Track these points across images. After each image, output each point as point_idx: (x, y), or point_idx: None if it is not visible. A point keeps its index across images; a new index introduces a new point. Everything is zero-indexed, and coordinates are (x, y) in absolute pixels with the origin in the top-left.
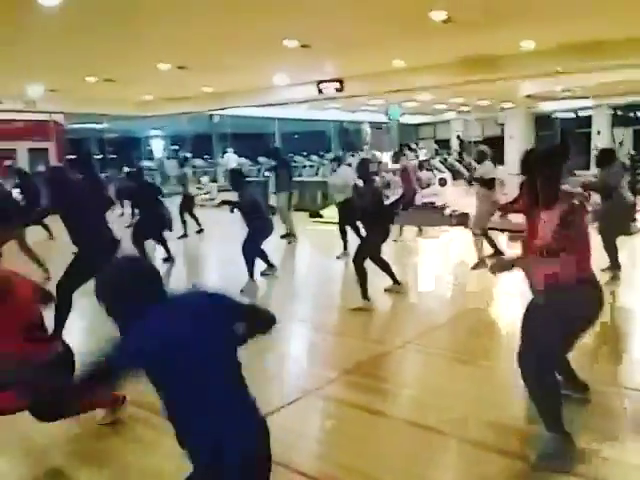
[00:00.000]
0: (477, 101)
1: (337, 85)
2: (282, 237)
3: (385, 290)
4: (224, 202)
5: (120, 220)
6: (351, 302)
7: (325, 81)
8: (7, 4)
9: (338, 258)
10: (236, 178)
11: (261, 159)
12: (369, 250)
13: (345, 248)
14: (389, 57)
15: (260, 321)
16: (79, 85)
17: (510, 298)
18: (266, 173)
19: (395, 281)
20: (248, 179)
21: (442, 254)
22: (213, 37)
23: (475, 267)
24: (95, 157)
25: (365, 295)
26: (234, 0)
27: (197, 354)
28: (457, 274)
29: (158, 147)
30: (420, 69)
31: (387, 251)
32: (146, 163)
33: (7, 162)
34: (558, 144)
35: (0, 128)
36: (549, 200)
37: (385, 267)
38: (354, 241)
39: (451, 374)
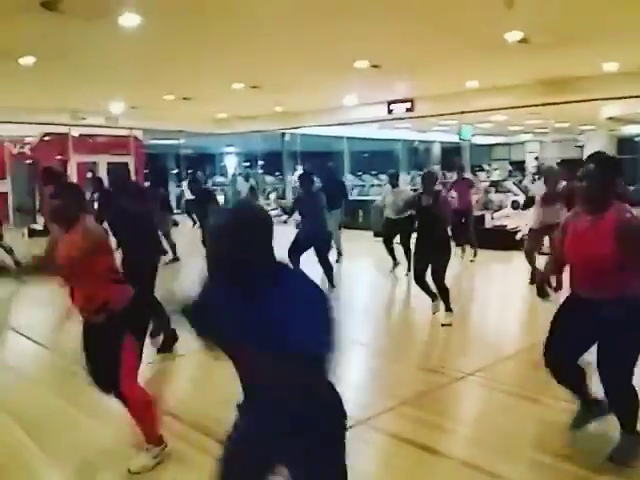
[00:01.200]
0: (555, 123)
1: (408, 105)
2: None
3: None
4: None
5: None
6: (414, 327)
7: (395, 101)
8: (90, 26)
9: (391, 272)
10: (306, 180)
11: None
12: (445, 266)
13: (394, 259)
14: (462, 77)
15: None
16: (158, 102)
17: None
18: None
19: (448, 309)
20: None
21: (509, 279)
22: (285, 58)
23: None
24: (172, 172)
25: (449, 307)
26: (306, 23)
27: None
28: (525, 303)
29: (231, 163)
30: (495, 90)
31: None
32: (219, 179)
33: (88, 174)
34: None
35: (83, 142)
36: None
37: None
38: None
39: (514, 413)
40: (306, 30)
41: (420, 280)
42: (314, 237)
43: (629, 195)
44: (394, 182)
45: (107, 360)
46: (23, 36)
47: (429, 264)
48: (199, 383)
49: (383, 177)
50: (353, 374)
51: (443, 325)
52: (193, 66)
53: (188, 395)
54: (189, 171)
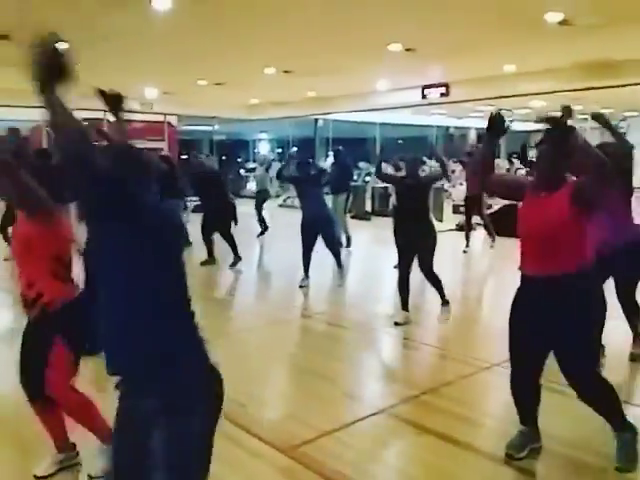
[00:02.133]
0: (597, 109)
1: (442, 90)
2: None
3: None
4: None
5: None
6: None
7: (430, 86)
8: (123, 11)
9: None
10: (304, 164)
11: (361, 164)
12: (432, 251)
13: None
14: (499, 61)
15: None
16: (191, 88)
17: (613, 322)
18: (366, 178)
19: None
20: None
21: None
22: (317, 42)
23: None
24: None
25: (443, 297)
26: (338, 5)
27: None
28: None
29: (264, 149)
30: (533, 74)
31: (469, 262)
32: (252, 165)
33: None
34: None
35: None
36: None
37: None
38: None
39: (543, 405)
40: (338, 13)
41: (404, 280)
42: (317, 219)
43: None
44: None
45: (31, 361)
46: (59, 21)
47: (415, 254)
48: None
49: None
50: (375, 361)
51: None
52: (225, 51)
53: None
54: (223, 157)
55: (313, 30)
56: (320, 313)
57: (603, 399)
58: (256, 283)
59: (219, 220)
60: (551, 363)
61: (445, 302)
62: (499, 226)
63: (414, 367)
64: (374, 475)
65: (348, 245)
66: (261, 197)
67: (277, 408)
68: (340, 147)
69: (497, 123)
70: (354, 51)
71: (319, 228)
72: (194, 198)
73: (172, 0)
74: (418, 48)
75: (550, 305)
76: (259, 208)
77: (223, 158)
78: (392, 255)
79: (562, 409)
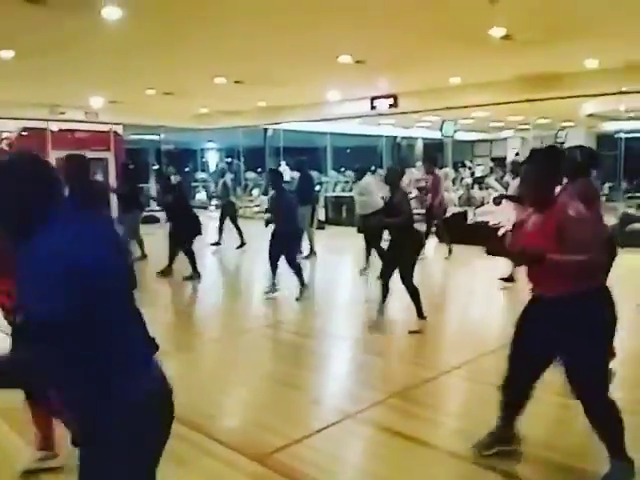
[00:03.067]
0: (536, 119)
1: (391, 101)
2: (305, 257)
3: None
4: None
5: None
6: (401, 323)
7: (379, 97)
8: (72, 19)
9: (361, 275)
10: (275, 177)
11: (312, 173)
12: (411, 266)
13: (367, 262)
14: (445, 74)
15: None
16: (139, 97)
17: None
18: (317, 187)
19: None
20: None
21: (494, 276)
22: (268, 53)
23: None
24: (153, 167)
25: (421, 313)
26: (289, 17)
27: (112, 280)
28: (506, 297)
29: (213, 159)
30: (477, 86)
31: (425, 270)
32: (201, 175)
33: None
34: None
35: (62, 137)
36: None
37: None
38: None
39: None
40: (290, 24)
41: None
42: (285, 236)
43: (593, 192)
44: (359, 177)
45: None
46: (2, 29)
47: (396, 266)
48: (184, 379)
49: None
50: (341, 368)
51: (410, 332)
52: (175, 60)
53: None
54: (169, 167)
55: (264, 41)
56: (284, 322)
57: (608, 426)
58: (218, 294)
59: (185, 233)
60: (500, 364)
61: (421, 316)
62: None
63: (378, 373)
64: (347, 478)
65: (309, 256)
66: (227, 210)
67: (247, 417)
68: (303, 157)
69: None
70: (305, 62)
71: (288, 241)
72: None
73: (122, 9)
74: (368, 60)
75: (556, 325)
76: (223, 221)
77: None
78: (350, 263)
79: (541, 413)
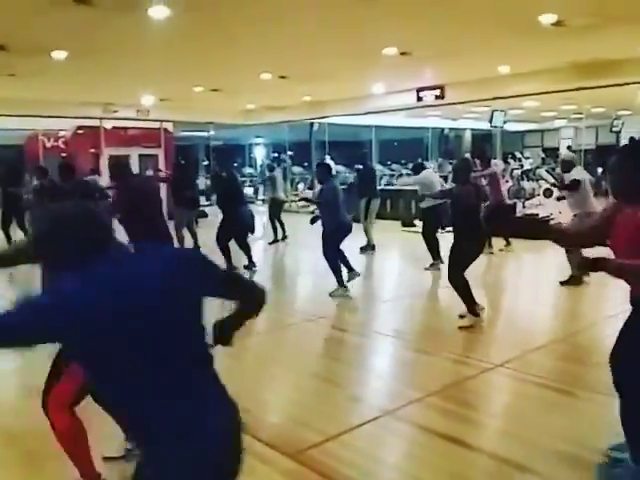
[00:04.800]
0: (590, 108)
1: (437, 92)
2: (361, 248)
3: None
4: (303, 199)
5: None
6: (444, 319)
7: (425, 88)
8: (120, 18)
9: (427, 269)
10: (323, 171)
11: (358, 167)
12: (467, 261)
13: (434, 258)
14: (494, 63)
15: (243, 294)
16: (187, 94)
17: (613, 321)
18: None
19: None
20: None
21: (539, 270)
22: (312, 47)
23: (564, 283)
24: (202, 164)
25: (472, 309)
26: (333, 10)
27: (154, 322)
28: (557, 293)
29: (260, 154)
30: (527, 75)
31: (478, 264)
32: (248, 170)
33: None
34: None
35: (115, 135)
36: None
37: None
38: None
39: (544, 404)
40: (333, 18)
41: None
42: (325, 230)
43: None
44: (417, 172)
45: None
46: (55, 30)
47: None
48: (223, 373)
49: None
50: (380, 365)
51: (460, 328)
52: (221, 57)
53: None
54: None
55: (308, 35)
56: (323, 317)
57: None
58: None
59: (236, 228)
60: (547, 362)
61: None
62: None
63: (418, 369)
64: (381, 478)
65: (365, 250)
66: (275, 205)
67: (282, 412)
68: (365, 150)
69: None
70: (349, 56)
71: (327, 235)
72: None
73: (169, 8)
74: (413, 51)
75: None
76: (273, 216)
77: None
78: (392, 259)
79: (562, 408)
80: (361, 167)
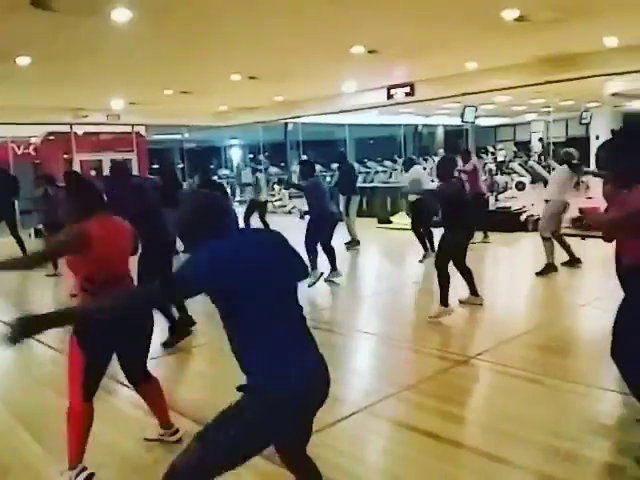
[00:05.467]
0: (559, 102)
1: (407, 90)
2: (346, 244)
3: (460, 302)
4: (290, 185)
5: None
6: (423, 313)
7: (395, 86)
8: (83, 23)
9: (421, 262)
10: (306, 168)
11: (334, 165)
12: (454, 252)
13: (426, 249)
14: (461, 59)
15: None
16: (158, 97)
17: (585, 311)
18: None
19: (474, 292)
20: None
21: (513, 262)
22: (281, 47)
23: (540, 272)
24: (178, 166)
25: (445, 301)
26: (301, 10)
27: (270, 278)
28: (529, 284)
29: (236, 156)
30: (495, 70)
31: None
32: (224, 171)
33: (92, 172)
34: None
35: (87, 141)
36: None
37: (469, 275)
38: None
39: (522, 395)
40: (301, 18)
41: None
42: (310, 221)
43: None
44: (407, 168)
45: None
46: (16, 36)
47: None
48: (208, 378)
49: (388, 163)
50: (353, 361)
51: (430, 318)
52: (189, 59)
53: (197, 390)
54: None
55: (277, 35)
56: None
57: None
58: None
59: None
60: (521, 352)
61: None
62: None
63: (392, 365)
64: (358, 476)
65: (351, 246)
66: (257, 208)
67: None
68: (342, 149)
69: None
70: (318, 55)
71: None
72: None
73: (131, 11)
74: (380, 50)
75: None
76: (248, 217)
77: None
78: (369, 256)
79: (538, 398)
80: (339, 165)
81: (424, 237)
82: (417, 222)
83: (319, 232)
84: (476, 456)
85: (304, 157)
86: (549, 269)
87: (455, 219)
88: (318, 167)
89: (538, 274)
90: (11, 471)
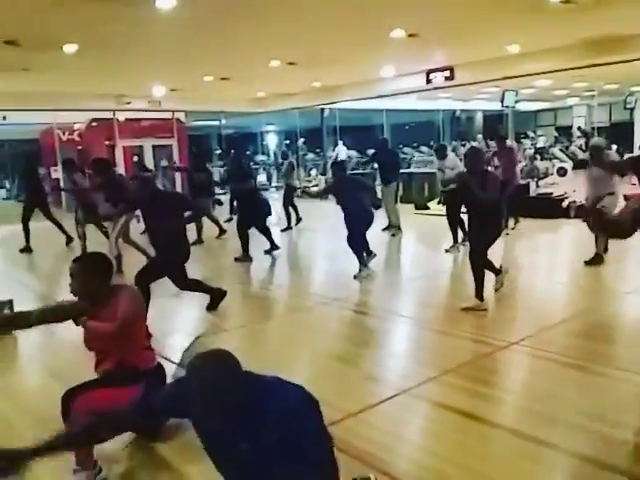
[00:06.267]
0: (603, 85)
1: (447, 74)
2: (383, 230)
3: (496, 290)
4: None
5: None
6: (459, 299)
7: (434, 70)
8: (127, 10)
9: (447, 252)
10: (337, 169)
11: (370, 151)
12: (488, 245)
13: (455, 241)
14: (503, 42)
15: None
16: (198, 84)
17: (632, 298)
18: (375, 165)
19: (497, 272)
20: (355, 171)
21: (556, 248)
22: (320, 32)
23: (589, 262)
24: (215, 152)
25: (480, 294)
26: None
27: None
28: (572, 271)
29: (273, 141)
30: (537, 53)
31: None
32: (261, 157)
33: (135, 158)
34: None
35: (129, 127)
36: None
37: (491, 265)
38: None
39: (561, 380)
40: (340, 3)
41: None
42: (347, 218)
43: None
44: (441, 155)
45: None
46: (64, 24)
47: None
48: (244, 355)
49: (425, 149)
50: (395, 344)
51: (462, 309)
52: (229, 46)
53: None
54: (232, 150)
55: (316, 21)
56: (338, 299)
57: None
58: (281, 272)
59: (254, 215)
60: (563, 339)
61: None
62: None
63: (433, 349)
64: (400, 453)
65: (394, 234)
66: (289, 191)
67: None
68: (385, 136)
69: None
70: (357, 40)
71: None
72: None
73: None
74: (421, 33)
75: None
76: (287, 203)
77: (232, 152)
78: (407, 242)
79: (579, 383)
80: (375, 152)
81: (457, 228)
82: (452, 211)
83: (361, 233)
84: (515, 437)
85: (339, 144)
86: (597, 260)
87: (486, 210)
88: (354, 153)
89: (587, 263)
90: None
